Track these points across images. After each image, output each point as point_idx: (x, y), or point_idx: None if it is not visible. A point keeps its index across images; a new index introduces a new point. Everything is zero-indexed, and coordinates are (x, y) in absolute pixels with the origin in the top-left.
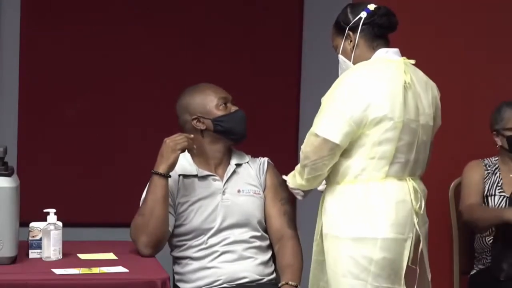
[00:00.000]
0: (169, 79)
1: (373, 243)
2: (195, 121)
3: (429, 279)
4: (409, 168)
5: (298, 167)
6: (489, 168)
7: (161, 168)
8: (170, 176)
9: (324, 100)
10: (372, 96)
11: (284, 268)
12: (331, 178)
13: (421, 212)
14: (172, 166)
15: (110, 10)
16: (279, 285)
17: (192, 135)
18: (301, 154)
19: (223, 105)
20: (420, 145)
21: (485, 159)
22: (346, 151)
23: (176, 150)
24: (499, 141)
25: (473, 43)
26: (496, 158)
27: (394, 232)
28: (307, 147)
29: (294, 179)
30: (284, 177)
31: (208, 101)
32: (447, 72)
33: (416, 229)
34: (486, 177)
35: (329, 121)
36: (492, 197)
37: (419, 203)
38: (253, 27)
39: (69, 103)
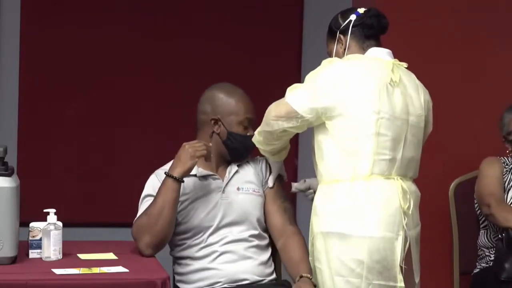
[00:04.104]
0: (169, 79)
1: (361, 242)
2: (213, 121)
3: (417, 282)
4: (397, 166)
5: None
6: (506, 166)
7: (176, 172)
8: (183, 181)
9: (307, 77)
10: (354, 88)
11: (298, 261)
12: (319, 177)
13: (410, 212)
14: (188, 171)
15: (110, 10)
16: (296, 279)
17: (210, 144)
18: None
19: (245, 125)
20: (409, 145)
21: (501, 157)
22: (329, 150)
23: (195, 157)
24: (509, 146)
25: (473, 43)
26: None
27: (382, 230)
28: (273, 105)
29: (256, 136)
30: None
31: (235, 113)
32: (446, 72)
33: (405, 230)
34: (505, 173)
35: (302, 94)
36: (506, 192)
37: (407, 204)
38: (253, 27)
39: (69, 103)
